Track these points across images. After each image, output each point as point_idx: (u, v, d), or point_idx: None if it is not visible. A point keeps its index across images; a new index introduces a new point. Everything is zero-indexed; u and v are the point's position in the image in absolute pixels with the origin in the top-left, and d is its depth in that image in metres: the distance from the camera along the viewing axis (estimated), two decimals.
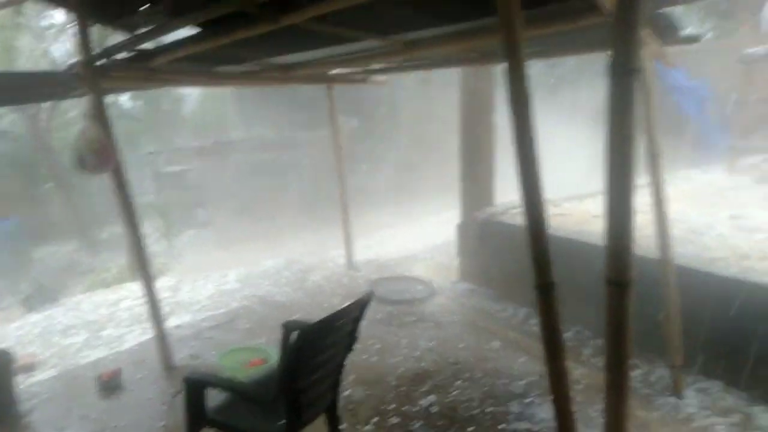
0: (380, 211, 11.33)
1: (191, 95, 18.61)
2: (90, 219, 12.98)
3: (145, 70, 3.87)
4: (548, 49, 4.17)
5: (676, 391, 3.36)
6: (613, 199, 1.69)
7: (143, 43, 3.69)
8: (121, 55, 3.81)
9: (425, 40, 3.76)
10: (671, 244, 3.25)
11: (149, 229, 10.17)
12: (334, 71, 5.55)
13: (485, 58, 4.58)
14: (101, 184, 12.13)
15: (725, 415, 3.12)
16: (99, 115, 3.49)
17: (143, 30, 3.59)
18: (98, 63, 3.62)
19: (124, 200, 3.71)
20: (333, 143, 6.35)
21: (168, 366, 4.00)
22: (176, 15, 3.25)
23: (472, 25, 3.40)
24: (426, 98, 14.12)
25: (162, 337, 3.98)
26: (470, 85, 5.68)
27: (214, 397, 2.43)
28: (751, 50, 7.20)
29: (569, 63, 12.43)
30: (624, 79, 1.61)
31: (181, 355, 4.18)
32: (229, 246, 10.20)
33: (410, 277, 6.02)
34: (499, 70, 6.44)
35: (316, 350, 2.22)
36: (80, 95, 4.17)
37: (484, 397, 3.41)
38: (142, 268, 3.83)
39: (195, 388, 2.32)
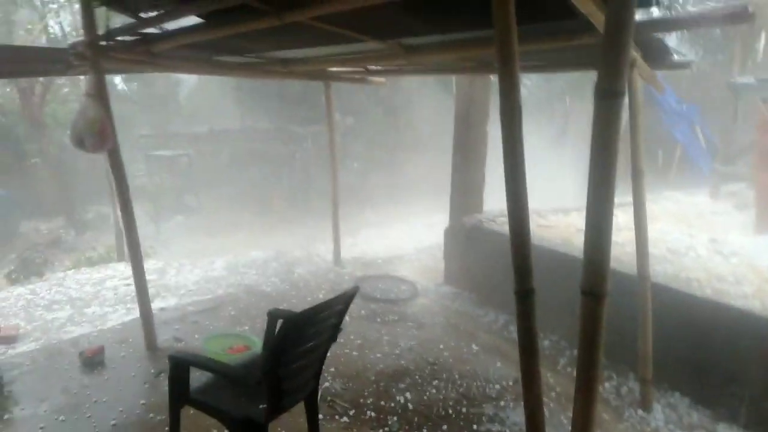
0: (369, 209, 11.42)
1: (188, 81, 18.51)
2: (77, 197, 12.91)
3: (148, 54, 3.92)
4: (545, 64, 4.28)
5: (645, 404, 3.47)
6: (593, 213, 1.77)
7: (147, 27, 3.75)
8: (125, 38, 3.87)
9: (424, 46, 3.85)
10: (650, 261, 3.36)
11: (138, 211, 10.15)
12: (334, 69, 5.62)
13: (481, 67, 4.68)
14: (89, 163, 12.11)
15: (688, 430, 3.24)
16: (100, 95, 3.54)
17: (148, 15, 3.64)
18: (102, 43, 3.67)
19: (119, 181, 3.76)
20: (328, 139, 6.42)
21: (151, 346, 4.05)
22: (182, 3, 3.31)
23: (470, 36, 3.49)
24: (423, 101, 14.22)
25: (147, 318, 4.02)
26: (465, 93, 5.78)
27: (196, 379, 2.50)
28: (740, 79, 7.38)
29: (566, 77, 12.58)
30: (609, 102, 1.68)
31: (164, 337, 4.23)
32: (217, 233, 10.21)
33: (395, 276, 6.11)
34: (494, 80, 6.53)
35: (300, 339, 2.29)
36: (80, 74, 4.21)
37: (459, 397, 3.51)
38: (133, 248, 3.88)
39: (180, 366, 2.38)
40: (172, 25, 3.83)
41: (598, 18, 2.40)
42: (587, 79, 11.41)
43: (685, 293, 3.55)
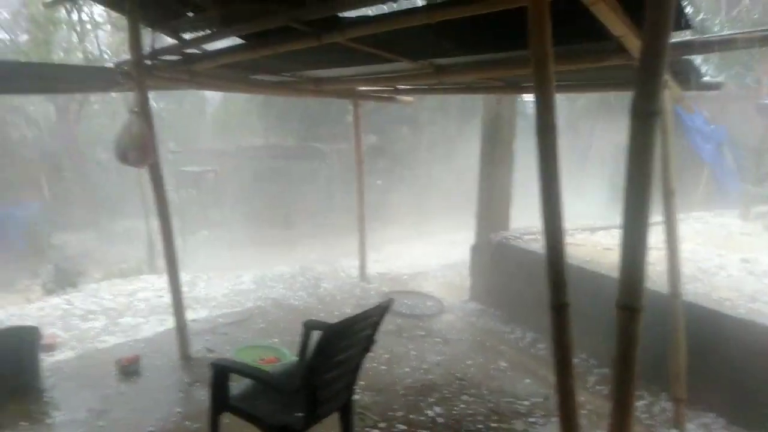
0: (392, 226, 11.46)
1: (213, 98, 18.91)
2: (105, 211, 13.24)
3: (189, 72, 4.09)
4: (573, 84, 4.34)
5: (678, 424, 3.44)
6: (630, 228, 1.81)
7: (190, 48, 3.92)
8: (168, 57, 4.05)
9: (455, 66, 3.95)
10: (681, 280, 3.37)
11: None
12: (363, 88, 5.76)
13: (510, 87, 4.76)
14: (117, 177, 12.43)
15: None
16: (143, 112, 3.69)
17: (190, 35, 3.82)
18: (146, 62, 3.84)
19: (159, 194, 3.90)
20: (354, 157, 6.53)
21: (185, 356, 4.14)
22: (224, 25, 3.46)
23: (501, 56, 3.58)
24: (447, 120, 14.34)
25: (182, 329, 4.13)
26: (492, 111, 5.85)
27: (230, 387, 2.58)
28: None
29: (588, 97, 12.60)
30: (645, 121, 1.73)
31: (197, 348, 4.32)
32: (242, 248, 10.35)
33: (421, 292, 6.15)
34: (521, 99, 6.61)
35: (338, 348, 2.36)
36: (125, 90, 4.40)
37: (489, 413, 3.52)
38: (170, 260, 4.00)
39: (221, 374, 2.46)
40: (212, 45, 4.01)
41: (630, 40, 2.48)
42: (610, 99, 11.44)
43: (719, 312, 3.54)
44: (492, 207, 5.91)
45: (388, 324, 5.02)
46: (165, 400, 3.55)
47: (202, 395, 3.54)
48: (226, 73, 4.48)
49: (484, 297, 5.77)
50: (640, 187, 1.78)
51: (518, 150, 5.87)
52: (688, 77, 3.40)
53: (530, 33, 1.98)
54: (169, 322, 4.77)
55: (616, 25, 2.30)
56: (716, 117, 10.02)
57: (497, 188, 5.87)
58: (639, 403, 3.69)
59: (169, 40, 4.05)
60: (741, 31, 2.68)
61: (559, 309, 2.12)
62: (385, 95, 5.98)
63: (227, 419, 2.56)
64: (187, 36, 3.94)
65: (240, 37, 3.55)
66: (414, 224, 11.80)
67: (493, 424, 3.37)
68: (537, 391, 3.85)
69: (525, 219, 6.35)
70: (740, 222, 7.09)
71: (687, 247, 5.09)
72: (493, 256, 5.53)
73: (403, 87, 5.44)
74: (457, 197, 12.17)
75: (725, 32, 2.94)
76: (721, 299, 3.75)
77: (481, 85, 4.81)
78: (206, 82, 4.47)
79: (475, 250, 5.96)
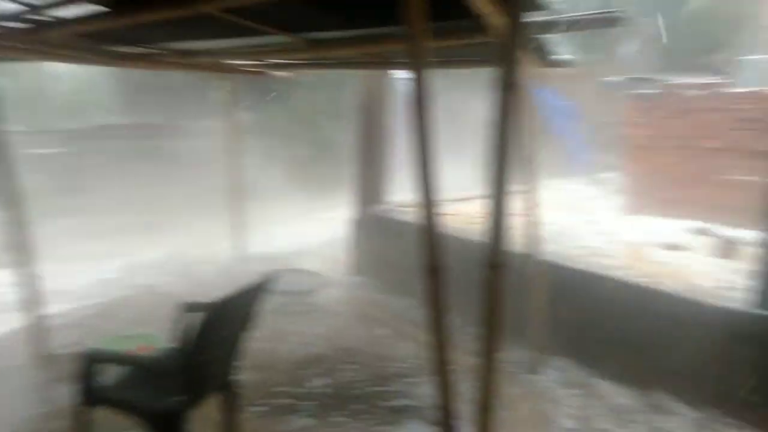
0: (270, 205, 11.25)
1: (64, 74, 17.05)
2: None
3: (37, 42, 3.65)
4: (447, 61, 4.54)
5: (536, 369, 3.85)
6: (494, 193, 1.99)
7: (38, 14, 3.48)
8: (11, 24, 3.56)
9: (329, 41, 3.93)
10: (540, 241, 3.73)
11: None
12: (236, 62, 5.53)
13: (386, 63, 4.85)
14: None
15: (573, 387, 3.66)
16: None
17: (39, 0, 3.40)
18: None
19: (8, 179, 3.48)
20: (224, 134, 6.31)
21: (44, 354, 3.77)
22: None
23: (374, 32, 3.64)
24: (324, 96, 14.25)
25: (37, 324, 3.76)
26: (368, 87, 5.94)
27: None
28: (609, 79, 8.24)
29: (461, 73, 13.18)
30: (505, 93, 1.91)
31: (59, 344, 3.95)
32: (106, 235, 9.55)
33: (302, 269, 6.13)
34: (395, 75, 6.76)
35: (216, 327, 2.31)
36: None
37: (371, 378, 3.67)
38: (21, 251, 3.61)
39: (90, 364, 2.29)
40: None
41: (496, 19, 2.64)
42: (480, 75, 12.09)
43: (569, 267, 3.98)
44: (369, 181, 6.03)
45: (268, 303, 4.97)
46: (24, 402, 3.24)
47: (69, 392, 3.27)
48: (81, 43, 4.04)
49: (366, 270, 5.93)
50: (502, 154, 1.96)
51: (396, 127, 6.03)
52: (541, 54, 3.71)
53: (405, 9, 2.03)
54: (24, 319, 4.31)
55: (484, 4, 2.44)
56: (564, 93, 11.02)
57: (373, 163, 5.99)
58: (503, 354, 4.05)
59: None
60: (586, 12, 3.00)
61: (433, 272, 2.26)
62: (259, 69, 5.80)
63: (100, 414, 2.40)
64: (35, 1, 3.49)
65: (101, 3, 3.22)
66: (293, 202, 11.70)
67: (376, 388, 3.52)
68: (416, 354, 4.07)
69: (402, 192, 6.57)
70: (587, 188, 7.95)
71: (545, 212, 5.63)
72: (373, 228, 5.68)
73: (277, 61, 5.32)
74: (337, 173, 12.23)
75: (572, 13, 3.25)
76: (570, 256, 4.21)
77: (357, 60, 4.85)
78: (57, 53, 4.00)
79: (355, 224, 6.07)
